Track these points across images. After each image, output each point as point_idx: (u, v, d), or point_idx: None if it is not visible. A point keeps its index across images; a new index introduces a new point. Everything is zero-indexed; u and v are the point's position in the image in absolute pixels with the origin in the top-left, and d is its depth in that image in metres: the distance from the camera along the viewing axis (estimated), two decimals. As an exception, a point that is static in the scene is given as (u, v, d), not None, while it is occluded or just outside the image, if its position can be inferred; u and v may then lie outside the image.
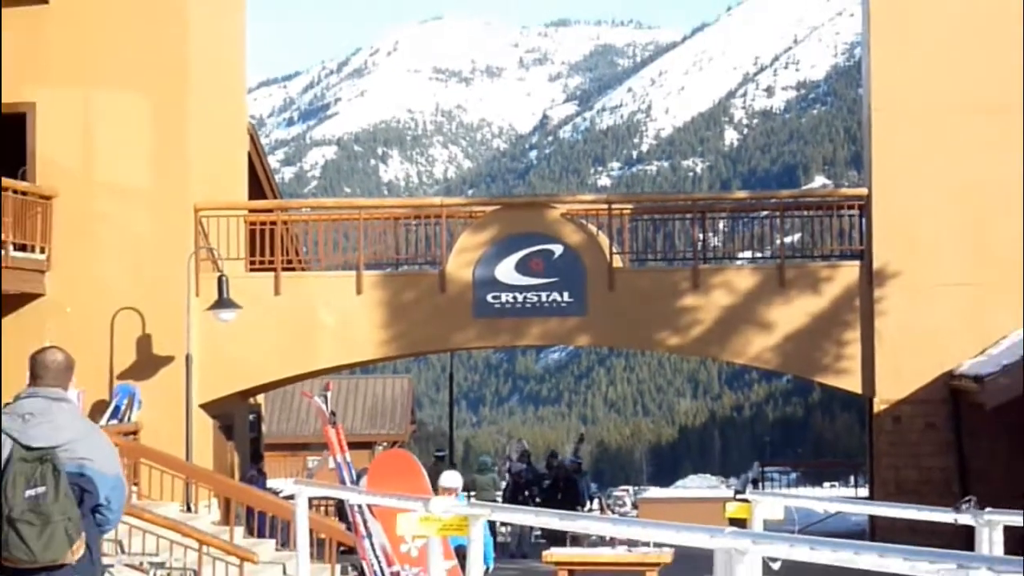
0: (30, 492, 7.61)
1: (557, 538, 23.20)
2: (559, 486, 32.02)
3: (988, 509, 9.26)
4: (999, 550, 8.90)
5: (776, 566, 6.00)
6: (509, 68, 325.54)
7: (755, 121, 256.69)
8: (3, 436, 7.81)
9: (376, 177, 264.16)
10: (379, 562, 8.87)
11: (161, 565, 19.71)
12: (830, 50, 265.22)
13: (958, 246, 24.87)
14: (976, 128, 25.00)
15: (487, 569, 12.71)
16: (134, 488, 23.81)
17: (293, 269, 27.28)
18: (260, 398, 30.87)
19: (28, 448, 7.74)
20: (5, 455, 7.75)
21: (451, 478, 16.63)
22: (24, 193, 25.59)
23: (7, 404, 8.26)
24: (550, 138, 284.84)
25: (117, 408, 24.72)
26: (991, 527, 9.10)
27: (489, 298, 26.21)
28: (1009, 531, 9.17)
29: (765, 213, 28.24)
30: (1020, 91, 24.87)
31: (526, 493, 31.40)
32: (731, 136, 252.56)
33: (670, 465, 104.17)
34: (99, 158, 26.36)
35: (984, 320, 24.49)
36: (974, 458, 23.89)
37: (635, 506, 42.65)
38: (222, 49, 28.21)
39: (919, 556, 4.90)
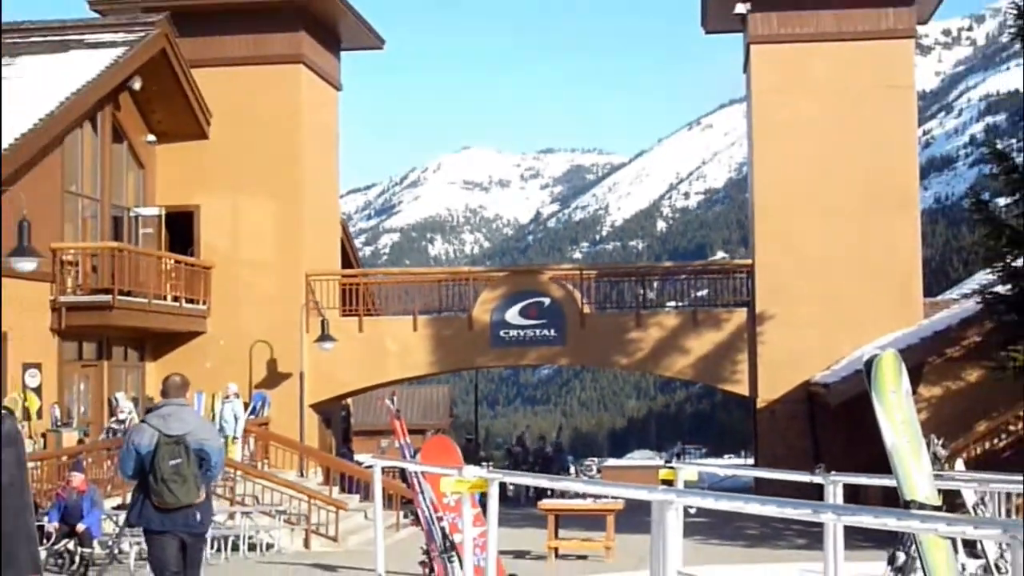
0: (172, 462, 8.68)
1: (545, 494, 23.17)
2: (537, 461, 32.03)
3: (832, 473, 9.32)
4: (840, 500, 8.96)
5: (692, 511, 6.05)
6: (514, 180, 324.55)
7: (677, 215, 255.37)
8: (151, 429, 8.83)
9: (426, 254, 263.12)
10: (429, 510, 8.94)
11: (283, 512, 19.70)
12: (726, 168, 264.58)
13: (812, 298, 24.84)
14: (824, 219, 25.06)
15: None
16: (265, 460, 23.86)
17: (371, 314, 27.21)
18: (349, 400, 30.79)
19: (168, 436, 8.75)
20: (151, 442, 8.74)
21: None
22: (192, 265, 25.65)
23: (150, 410, 9.59)
24: (541, 227, 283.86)
25: (254, 408, 24.64)
26: (834, 485, 9.14)
27: (501, 333, 26.16)
28: (846, 488, 9.24)
29: (684, 276, 28.20)
30: (850, 196, 25.08)
31: (522, 466, 31.33)
32: (661, 225, 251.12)
33: (622, 444, 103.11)
34: (242, 241, 26.37)
35: (829, 347, 24.42)
36: (823, 439, 23.82)
37: (599, 471, 42.28)
38: (323, 168, 28.27)
39: (786, 504, 4.96)
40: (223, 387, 23.12)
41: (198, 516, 8.89)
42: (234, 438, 22.33)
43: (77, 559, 15.19)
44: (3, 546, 5.79)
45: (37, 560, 5.96)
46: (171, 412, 8.89)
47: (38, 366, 21.39)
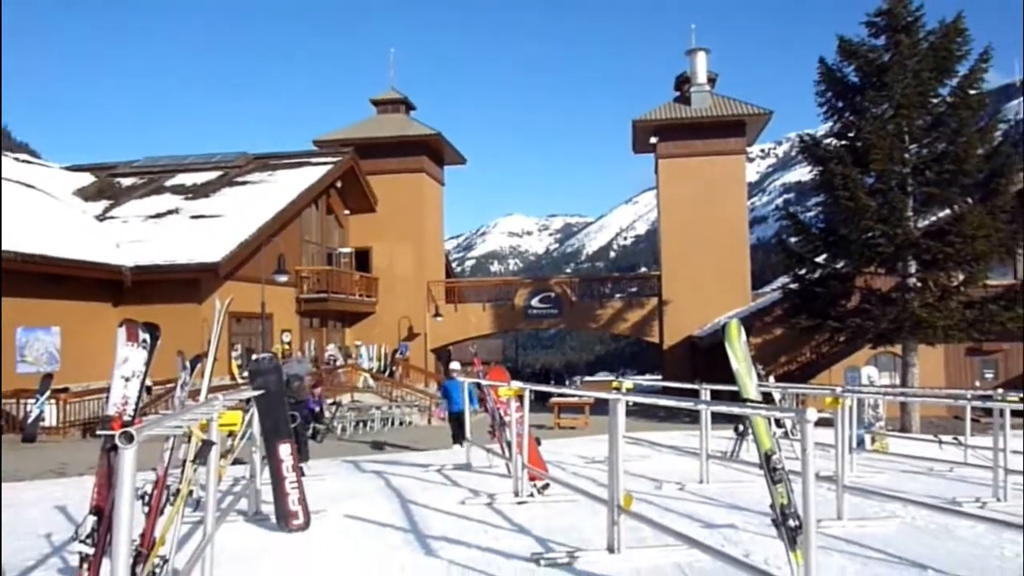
0: (295, 383, 9.67)
1: (550, 395, 23.00)
2: (544, 378, 31.67)
3: (704, 384, 9.22)
4: (708, 398, 8.86)
5: (631, 404, 6.00)
6: (534, 232, 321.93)
7: (621, 249, 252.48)
8: (284, 371, 9.39)
9: (489, 271, 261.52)
10: (492, 404, 8.90)
11: (417, 404, 19.71)
12: (647, 224, 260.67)
13: (692, 291, 24.55)
14: (698, 251, 24.76)
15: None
16: (407, 378, 23.75)
17: (461, 302, 27.18)
18: (451, 347, 30.73)
19: (290, 373, 9.45)
20: (286, 376, 8.99)
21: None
22: (368, 277, 25.62)
23: (283, 362, 10.11)
24: (550, 257, 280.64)
25: (402, 351, 24.63)
26: (705, 390, 9.06)
27: (529, 312, 26.03)
28: (712, 392, 9.13)
29: (624, 281, 27.98)
30: (712, 238, 24.73)
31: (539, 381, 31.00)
32: (613, 254, 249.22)
33: (593, 369, 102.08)
34: (394, 265, 26.08)
35: (701, 317, 24.14)
36: (698, 366, 23.52)
37: (581, 383, 42.00)
38: (435, 226, 28.14)
39: (681, 399, 4.92)
40: (356, 342, 23.39)
41: (304, 403, 10.36)
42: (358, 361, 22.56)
43: (311, 429, 15.30)
44: (272, 424, 5.89)
45: (290, 432, 6.06)
46: (290, 363, 10.44)
47: (289, 330, 21.57)
